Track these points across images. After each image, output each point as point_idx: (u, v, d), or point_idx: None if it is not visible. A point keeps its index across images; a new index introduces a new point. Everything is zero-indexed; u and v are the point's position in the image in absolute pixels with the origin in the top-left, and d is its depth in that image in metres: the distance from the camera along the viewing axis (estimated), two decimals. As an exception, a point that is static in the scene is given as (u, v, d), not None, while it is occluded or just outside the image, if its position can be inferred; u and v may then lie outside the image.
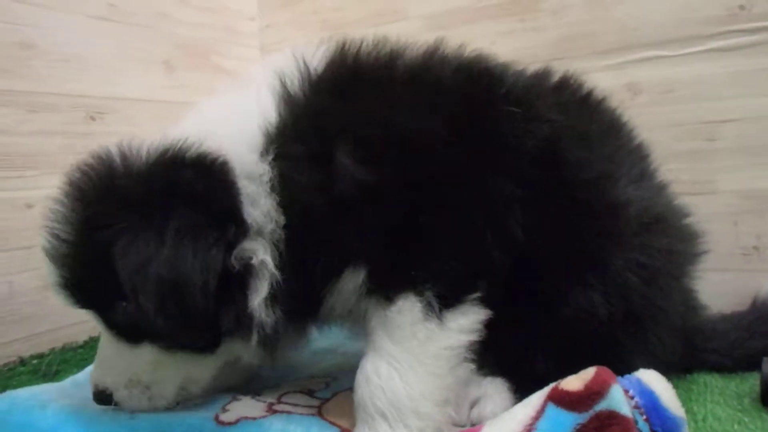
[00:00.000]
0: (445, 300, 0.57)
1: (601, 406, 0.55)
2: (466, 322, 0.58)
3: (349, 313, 0.61)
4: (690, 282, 0.72)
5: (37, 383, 0.77)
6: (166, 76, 1.10)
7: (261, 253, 0.55)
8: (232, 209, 0.55)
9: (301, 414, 0.64)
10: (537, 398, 0.59)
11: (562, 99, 0.69)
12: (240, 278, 0.55)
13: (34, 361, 0.87)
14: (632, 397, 0.56)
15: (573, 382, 0.58)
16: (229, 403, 0.67)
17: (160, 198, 0.54)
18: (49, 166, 0.91)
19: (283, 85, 0.60)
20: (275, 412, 0.64)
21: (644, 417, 0.55)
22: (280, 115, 0.58)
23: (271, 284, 0.55)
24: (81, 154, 0.58)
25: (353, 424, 0.58)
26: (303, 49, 0.64)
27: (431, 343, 0.56)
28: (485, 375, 0.67)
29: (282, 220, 0.56)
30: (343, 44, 0.65)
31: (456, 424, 0.61)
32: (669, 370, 0.62)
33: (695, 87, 0.90)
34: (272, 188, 0.56)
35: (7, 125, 0.87)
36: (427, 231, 0.58)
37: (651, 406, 0.56)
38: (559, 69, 0.72)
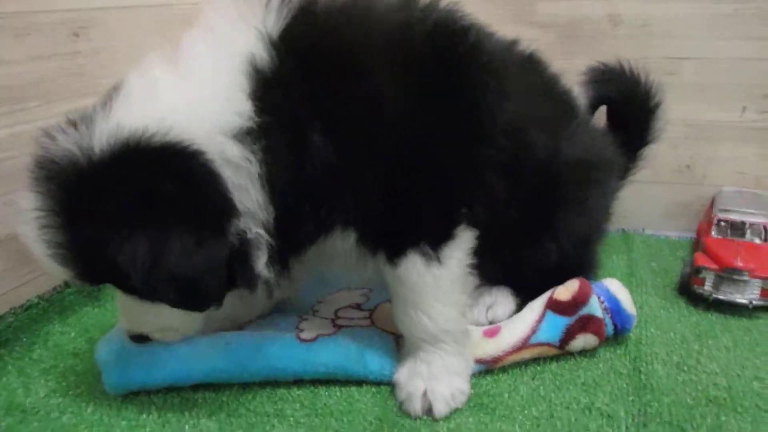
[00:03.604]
0: (439, 244, 0.67)
1: (584, 311, 0.77)
2: (461, 251, 0.69)
3: (351, 266, 0.72)
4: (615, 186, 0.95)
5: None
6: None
7: (254, 228, 0.59)
8: (224, 201, 0.57)
9: (360, 326, 0.82)
10: (538, 305, 0.80)
11: (528, 80, 0.76)
12: (242, 251, 0.59)
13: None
14: (602, 302, 0.79)
15: (563, 293, 0.79)
16: (300, 322, 0.81)
17: (145, 200, 0.54)
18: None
19: (252, 64, 0.58)
20: (340, 327, 0.81)
21: (609, 315, 0.78)
22: (253, 99, 0.58)
23: (269, 249, 0.61)
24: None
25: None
26: (255, 6, 0.61)
27: (440, 281, 0.68)
28: (494, 285, 0.88)
29: (271, 210, 0.59)
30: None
31: (477, 324, 0.83)
32: None
33: (667, 24, 1.01)
34: (260, 181, 0.58)
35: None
36: (409, 196, 0.64)
37: (615, 309, 0.79)
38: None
